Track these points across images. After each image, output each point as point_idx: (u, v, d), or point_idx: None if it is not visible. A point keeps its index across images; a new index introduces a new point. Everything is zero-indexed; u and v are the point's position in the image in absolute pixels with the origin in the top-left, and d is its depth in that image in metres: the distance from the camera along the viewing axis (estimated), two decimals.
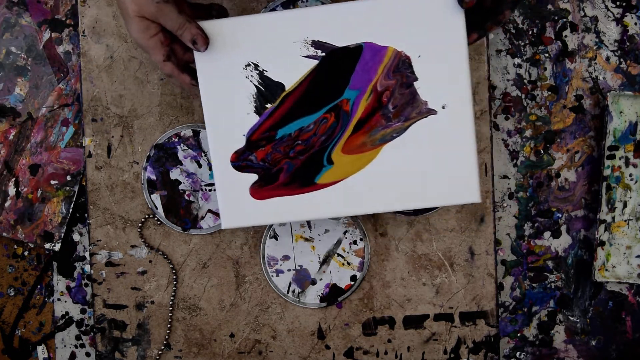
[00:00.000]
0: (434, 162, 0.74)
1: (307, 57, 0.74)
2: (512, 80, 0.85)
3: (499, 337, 0.84)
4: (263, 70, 0.74)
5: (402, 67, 0.74)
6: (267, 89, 0.75)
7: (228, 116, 0.75)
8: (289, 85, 0.75)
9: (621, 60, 0.85)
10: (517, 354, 0.86)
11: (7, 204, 0.85)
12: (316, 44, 0.74)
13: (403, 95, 0.74)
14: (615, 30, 0.85)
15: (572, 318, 0.85)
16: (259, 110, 0.75)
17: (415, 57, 0.73)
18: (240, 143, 0.75)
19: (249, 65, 0.74)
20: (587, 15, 0.84)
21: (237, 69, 0.74)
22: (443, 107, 0.73)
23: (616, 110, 0.83)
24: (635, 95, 0.82)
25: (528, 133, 0.85)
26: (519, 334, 0.86)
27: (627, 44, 0.85)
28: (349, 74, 0.74)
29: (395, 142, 0.74)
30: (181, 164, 0.83)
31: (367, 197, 0.75)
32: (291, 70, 0.74)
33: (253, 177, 0.76)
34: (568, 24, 0.85)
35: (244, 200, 0.76)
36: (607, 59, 0.85)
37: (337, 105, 0.74)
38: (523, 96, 0.85)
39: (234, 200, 0.76)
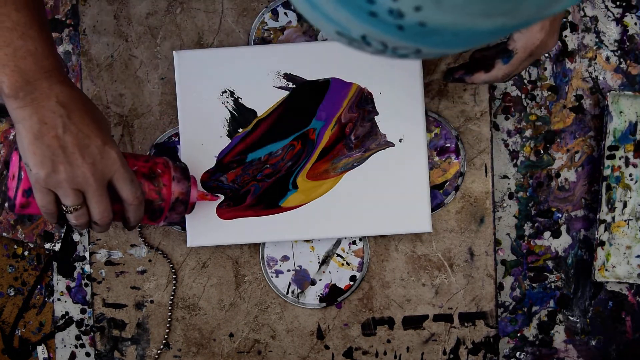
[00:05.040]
0: (389, 192, 0.80)
1: (279, 87, 0.80)
2: (512, 80, 0.85)
3: (498, 338, 0.84)
4: (238, 97, 0.80)
5: (365, 102, 0.81)
6: (241, 114, 0.81)
7: (202, 138, 0.80)
8: (261, 112, 0.81)
9: (621, 60, 0.85)
10: (517, 354, 0.85)
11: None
12: (288, 77, 0.80)
13: (364, 128, 0.81)
14: (615, 30, 0.85)
15: (572, 318, 0.85)
16: (231, 134, 0.81)
17: (376, 93, 0.80)
18: (211, 164, 0.80)
19: (225, 92, 0.80)
20: (587, 15, 0.84)
21: (214, 95, 0.80)
22: (400, 141, 0.80)
23: (616, 110, 0.83)
24: (635, 95, 0.82)
25: (528, 133, 0.85)
26: (518, 334, 0.85)
27: (627, 44, 0.85)
28: (317, 105, 0.80)
29: (355, 170, 0.81)
30: None
31: (327, 222, 0.81)
32: (264, 99, 0.81)
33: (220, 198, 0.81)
34: (568, 24, 0.85)
35: (210, 219, 0.81)
36: (607, 59, 0.85)
37: (304, 134, 0.81)
38: (523, 96, 0.85)
39: (201, 219, 0.81)
